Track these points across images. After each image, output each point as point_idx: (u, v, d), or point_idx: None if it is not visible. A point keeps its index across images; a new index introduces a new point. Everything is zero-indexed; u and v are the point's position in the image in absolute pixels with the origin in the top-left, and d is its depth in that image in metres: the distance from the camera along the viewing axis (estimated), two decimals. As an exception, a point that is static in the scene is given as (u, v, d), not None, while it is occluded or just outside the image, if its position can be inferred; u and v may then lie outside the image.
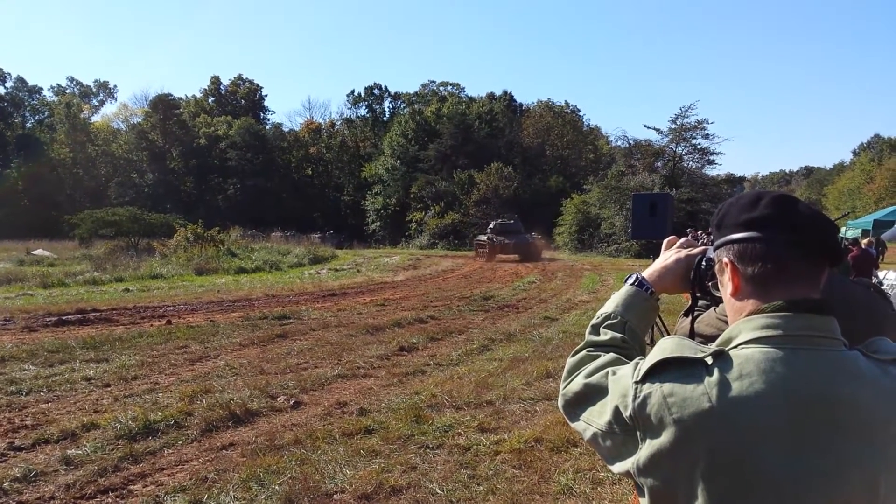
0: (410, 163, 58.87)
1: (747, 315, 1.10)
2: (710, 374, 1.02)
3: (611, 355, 1.23)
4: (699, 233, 15.57)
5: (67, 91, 74.81)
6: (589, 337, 1.31)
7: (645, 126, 71.44)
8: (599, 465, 4.69)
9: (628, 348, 1.26)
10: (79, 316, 11.61)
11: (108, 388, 6.90)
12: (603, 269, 26.13)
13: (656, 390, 1.04)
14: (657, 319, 1.44)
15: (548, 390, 6.82)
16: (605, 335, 1.29)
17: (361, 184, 66.10)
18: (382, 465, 4.78)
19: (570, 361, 1.27)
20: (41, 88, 74.60)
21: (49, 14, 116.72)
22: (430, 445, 5.20)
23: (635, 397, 1.06)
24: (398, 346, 9.18)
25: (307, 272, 23.96)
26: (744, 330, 1.08)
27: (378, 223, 60.86)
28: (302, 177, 71.19)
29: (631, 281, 1.40)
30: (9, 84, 67.05)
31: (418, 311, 12.95)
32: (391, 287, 18.72)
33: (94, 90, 77.29)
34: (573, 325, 11.15)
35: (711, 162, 42.06)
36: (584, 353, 1.27)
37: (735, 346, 1.07)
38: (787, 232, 1.09)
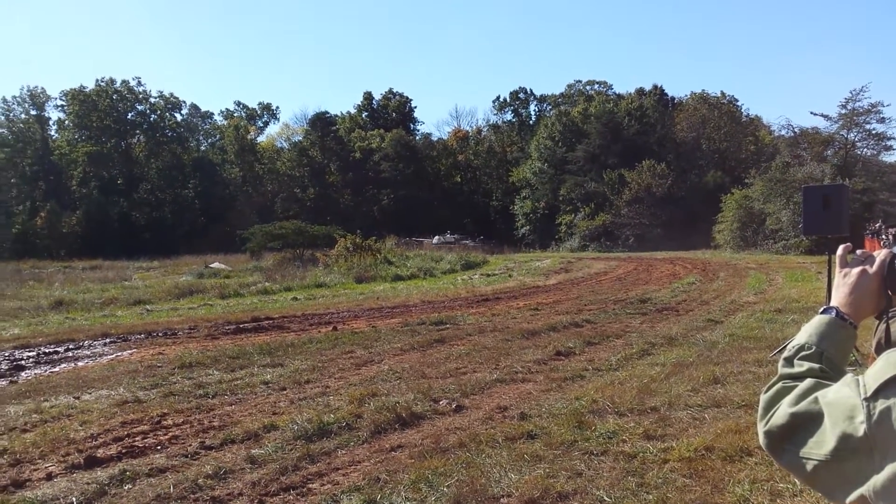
0: (558, 165, 58.40)
1: None
2: None
3: (811, 380, 1.14)
4: (878, 224, 14.26)
5: (235, 115, 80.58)
6: (783, 370, 1.22)
7: (811, 113, 66.81)
8: (778, 475, 4.40)
9: (828, 378, 1.16)
10: (254, 324, 12.49)
11: (284, 392, 7.35)
12: (770, 267, 24.56)
13: (894, 405, 0.97)
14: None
15: (716, 397, 6.50)
16: (801, 366, 1.20)
17: (509, 188, 66.45)
18: (547, 470, 4.75)
19: (764, 398, 1.19)
20: (212, 114, 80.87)
21: (215, 44, 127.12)
22: (595, 452, 5.10)
23: (869, 416, 0.98)
24: (554, 351, 9.11)
25: (460, 278, 24.41)
26: None
27: (527, 227, 60.86)
28: (451, 184, 72.70)
29: (825, 312, 1.30)
30: (184, 111, 73.49)
31: (573, 314, 12.80)
32: (543, 291, 18.64)
33: (258, 112, 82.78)
34: (740, 328, 10.54)
35: (889, 148, 38.66)
36: (779, 385, 1.18)
37: None
38: None
